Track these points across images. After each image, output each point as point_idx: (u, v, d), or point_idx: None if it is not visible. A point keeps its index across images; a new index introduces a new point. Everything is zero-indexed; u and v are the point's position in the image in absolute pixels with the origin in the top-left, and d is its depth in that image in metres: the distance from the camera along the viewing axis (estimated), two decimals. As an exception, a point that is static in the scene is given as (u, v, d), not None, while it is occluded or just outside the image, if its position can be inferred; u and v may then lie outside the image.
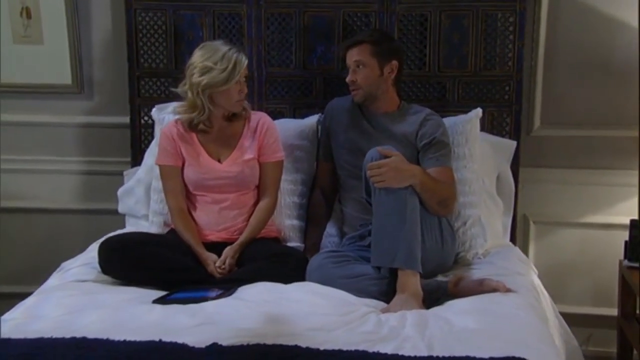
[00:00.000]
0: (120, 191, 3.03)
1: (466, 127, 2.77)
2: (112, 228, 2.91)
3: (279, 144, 2.73)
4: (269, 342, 1.85)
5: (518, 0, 2.92)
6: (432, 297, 2.33)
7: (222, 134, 2.70)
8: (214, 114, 2.65)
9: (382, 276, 2.38)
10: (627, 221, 2.85)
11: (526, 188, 3.09)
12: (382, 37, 2.73)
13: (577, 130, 3.09)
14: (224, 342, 1.84)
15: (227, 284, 2.38)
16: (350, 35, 2.89)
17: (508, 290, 2.29)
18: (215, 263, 2.53)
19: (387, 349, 1.86)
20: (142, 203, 2.94)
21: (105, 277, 2.49)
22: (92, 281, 2.46)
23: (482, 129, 2.89)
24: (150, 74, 3.10)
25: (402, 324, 2.05)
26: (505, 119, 3.01)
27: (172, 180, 2.69)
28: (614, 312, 3.00)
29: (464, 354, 1.79)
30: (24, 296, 2.33)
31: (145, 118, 3.11)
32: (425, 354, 1.83)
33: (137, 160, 3.10)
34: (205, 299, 2.24)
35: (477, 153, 2.79)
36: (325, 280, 2.39)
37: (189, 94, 2.61)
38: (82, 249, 2.75)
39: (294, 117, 3.06)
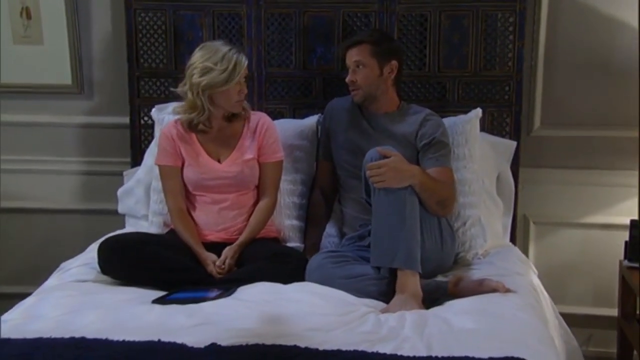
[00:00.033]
0: (120, 191, 3.03)
1: (466, 128, 2.77)
2: (112, 228, 2.91)
3: (278, 144, 2.73)
4: (268, 342, 1.85)
5: (518, 0, 2.92)
6: (432, 298, 2.33)
7: (221, 134, 2.70)
8: (214, 114, 2.65)
9: (382, 276, 2.37)
10: (627, 221, 2.85)
11: (526, 188, 3.08)
12: (381, 37, 2.73)
13: (577, 131, 3.09)
14: (223, 342, 1.84)
15: (227, 284, 2.38)
16: (350, 36, 2.89)
17: (508, 291, 2.29)
18: (215, 263, 2.53)
19: (386, 349, 1.86)
20: (141, 203, 2.94)
21: (105, 277, 2.49)
22: (92, 281, 2.46)
23: (482, 129, 2.89)
24: (150, 74, 3.10)
25: (402, 324, 2.05)
26: (505, 119, 3.01)
27: (172, 180, 2.69)
28: (614, 312, 3.00)
29: (463, 354, 1.79)
30: (23, 296, 2.33)
31: (145, 118, 3.11)
32: (424, 354, 1.83)
33: (137, 161, 3.10)
34: (204, 299, 2.24)
35: (477, 153, 2.79)
36: (325, 280, 2.39)
37: (189, 95, 2.61)
38: (81, 249, 2.75)
39: (294, 117, 3.06)
